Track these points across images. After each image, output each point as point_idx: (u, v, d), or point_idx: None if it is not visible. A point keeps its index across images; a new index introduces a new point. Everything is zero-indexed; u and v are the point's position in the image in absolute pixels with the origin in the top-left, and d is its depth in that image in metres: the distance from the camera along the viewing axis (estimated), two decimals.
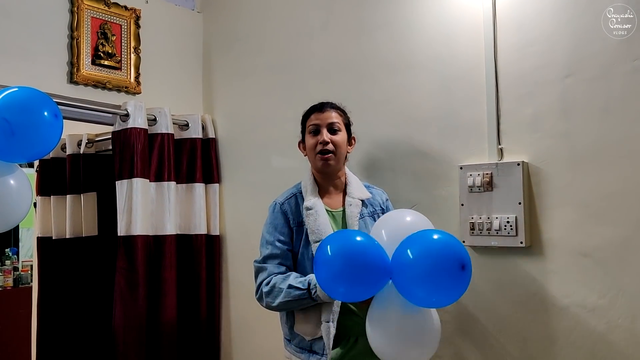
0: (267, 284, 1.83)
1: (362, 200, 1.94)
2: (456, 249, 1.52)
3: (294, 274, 1.83)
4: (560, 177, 1.81)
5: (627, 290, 1.69)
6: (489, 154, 1.95)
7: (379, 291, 1.62)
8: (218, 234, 2.74)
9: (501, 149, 1.93)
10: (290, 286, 1.78)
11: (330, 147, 1.88)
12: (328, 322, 1.79)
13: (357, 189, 1.97)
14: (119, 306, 2.40)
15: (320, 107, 1.93)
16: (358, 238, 1.60)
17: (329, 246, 1.58)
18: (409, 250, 1.52)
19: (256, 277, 1.90)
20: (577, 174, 1.78)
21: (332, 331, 1.79)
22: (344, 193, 1.96)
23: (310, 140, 1.92)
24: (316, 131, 1.91)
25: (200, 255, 2.65)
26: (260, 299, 1.87)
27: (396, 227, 1.69)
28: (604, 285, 1.73)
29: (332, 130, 1.90)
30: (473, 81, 2.00)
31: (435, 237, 1.55)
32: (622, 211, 1.70)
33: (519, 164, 1.86)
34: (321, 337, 1.81)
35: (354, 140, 2.00)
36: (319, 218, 1.85)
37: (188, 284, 2.63)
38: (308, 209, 1.88)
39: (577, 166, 1.78)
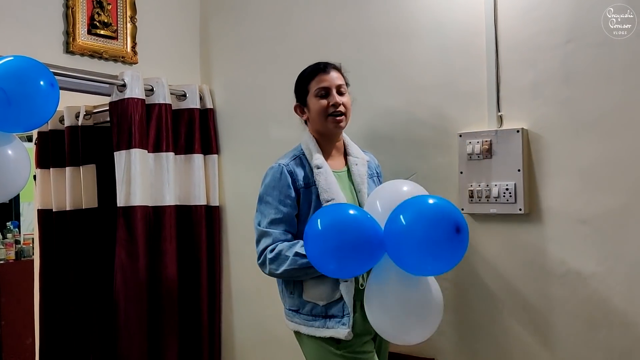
0: (272, 250, 1.78)
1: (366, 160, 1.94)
2: (450, 212, 1.49)
3: (300, 242, 1.78)
4: (561, 144, 1.80)
5: (625, 258, 1.69)
6: (488, 121, 1.93)
7: (376, 264, 1.61)
8: (217, 204, 2.74)
9: (501, 116, 1.91)
10: (296, 254, 1.74)
11: (342, 109, 1.85)
12: (346, 281, 1.76)
13: (357, 150, 1.96)
14: (119, 277, 2.41)
15: (325, 69, 1.87)
16: (351, 212, 1.58)
17: (319, 220, 1.56)
18: (401, 216, 1.49)
19: (258, 241, 1.84)
20: (577, 141, 1.77)
21: (352, 291, 1.77)
22: (345, 154, 1.96)
23: (320, 102, 1.85)
24: (326, 94, 1.86)
25: (200, 226, 2.65)
26: (262, 265, 1.82)
27: (391, 197, 1.66)
28: (602, 252, 1.73)
29: (340, 92, 1.87)
30: (473, 48, 1.97)
31: (429, 201, 1.53)
32: (622, 179, 1.69)
33: (518, 131, 1.85)
34: (337, 300, 1.77)
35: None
36: (328, 177, 1.82)
37: (188, 255, 2.64)
38: (318, 167, 1.84)
39: (578, 133, 1.77)
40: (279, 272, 1.77)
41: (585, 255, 1.76)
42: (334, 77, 1.86)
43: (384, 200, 1.68)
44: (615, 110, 1.71)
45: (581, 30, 1.76)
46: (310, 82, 1.88)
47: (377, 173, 2.01)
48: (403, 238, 1.50)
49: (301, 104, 1.92)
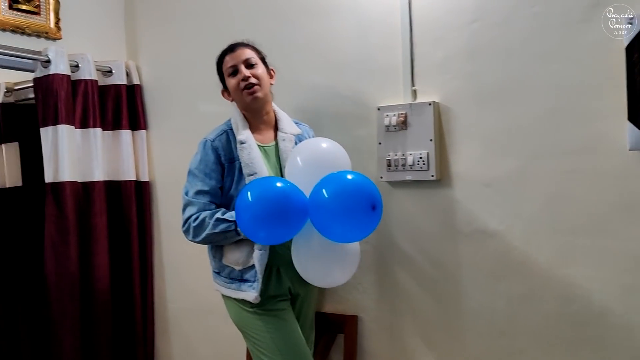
0: (196, 219, 1.90)
1: (294, 136, 2.03)
2: (368, 190, 1.66)
3: (223, 209, 1.91)
4: (467, 115, 1.97)
5: (522, 216, 1.88)
6: (403, 95, 2.08)
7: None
8: (147, 179, 2.78)
9: (415, 91, 2.06)
10: (217, 219, 1.86)
11: (253, 80, 1.93)
12: (261, 249, 1.88)
13: (289, 124, 2.05)
14: (49, 253, 2.42)
15: (232, 48, 1.97)
16: (278, 184, 1.71)
17: (249, 192, 1.68)
18: (324, 190, 1.65)
19: (184, 209, 1.96)
20: (481, 112, 1.94)
21: (265, 259, 1.89)
22: (275, 128, 2.04)
23: (232, 82, 1.96)
24: (235, 71, 1.95)
25: (130, 201, 2.69)
26: (186, 232, 1.95)
27: (310, 153, 1.83)
28: (503, 212, 1.92)
29: (250, 65, 1.95)
30: (389, 26, 2.10)
31: (350, 177, 1.68)
32: (520, 144, 1.88)
33: (430, 104, 2.00)
34: (252, 266, 1.90)
35: (274, 72, 2.05)
36: (252, 152, 1.91)
37: (119, 229, 2.68)
38: (242, 142, 1.93)
39: (482, 104, 1.94)
40: (201, 237, 1.90)
41: (488, 215, 1.94)
42: (240, 53, 1.96)
43: (303, 154, 1.83)
44: (514, 82, 1.88)
45: (485, 11, 1.92)
46: (222, 65, 2.00)
47: None
48: (324, 210, 1.65)
49: (224, 88, 2.03)
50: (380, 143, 2.11)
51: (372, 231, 1.71)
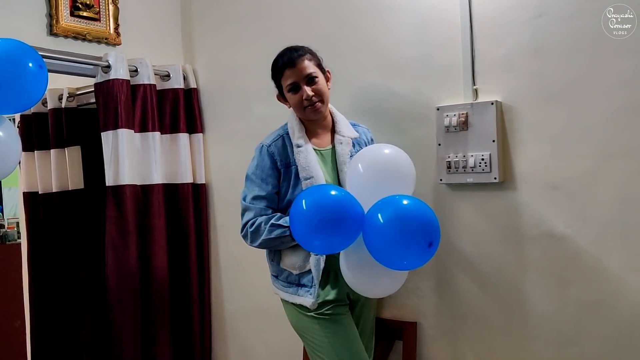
0: (253, 224, 1.91)
1: (352, 139, 2.00)
2: (428, 226, 1.63)
3: (278, 214, 1.91)
4: (532, 114, 1.89)
5: (592, 219, 1.80)
6: (464, 94, 2.02)
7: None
8: (204, 182, 2.81)
9: (476, 90, 2.00)
10: (272, 225, 1.87)
11: (315, 98, 1.91)
12: (317, 254, 1.88)
13: (346, 127, 2.01)
14: (110, 254, 2.47)
15: (291, 62, 1.90)
16: (333, 192, 1.68)
17: (303, 200, 1.66)
18: (380, 215, 1.62)
19: (242, 214, 1.98)
20: (547, 111, 1.86)
21: (322, 264, 1.88)
22: (332, 131, 2.01)
23: (293, 98, 1.92)
24: (296, 87, 1.91)
25: (187, 203, 2.72)
26: (245, 237, 1.97)
27: (372, 159, 1.79)
28: (571, 215, 1.83)
29: (311, 80, 1.90)
30: (448, 24, 2.04)
31: (410, 206, 1.64)
32: (588, 145, 1.79)
33: (492, 103, 1.94)
34: (309, 271, 1.90)
35: (329, 74, 2.00)
36: (308, 155, 1.91)
37: (177, 231, 2.71)
38: (298, 146, 1.92)
39: (547, 103, 1.86)
40: (258, 242, 1.92)
41: (556, 218, 1.86)
42: (301, 68, 1.89)
43: (365, 161, 1.80)
44: (581, 80, 1.79)
45: (551, 5, 1.84)
46: (281, 79, 1.94)
47: None
48: (379, 238, 1.63)
49: (281, 94, 2.00)
50: (439, 144, 2.05)
51: (424, 264, 1.69)
